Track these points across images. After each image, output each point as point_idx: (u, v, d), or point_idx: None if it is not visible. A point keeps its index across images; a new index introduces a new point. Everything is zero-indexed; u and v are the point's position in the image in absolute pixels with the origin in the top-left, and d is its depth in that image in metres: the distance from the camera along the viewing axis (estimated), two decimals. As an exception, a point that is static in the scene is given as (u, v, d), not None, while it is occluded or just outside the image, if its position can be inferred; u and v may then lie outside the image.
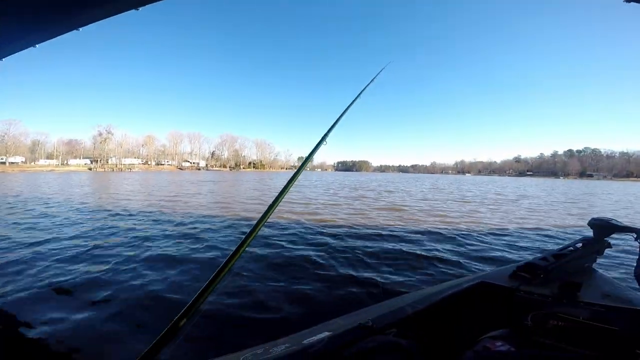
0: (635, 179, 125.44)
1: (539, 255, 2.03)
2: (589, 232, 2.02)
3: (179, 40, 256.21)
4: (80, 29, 4.50)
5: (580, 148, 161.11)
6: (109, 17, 4.31)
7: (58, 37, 4.55)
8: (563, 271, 1.82)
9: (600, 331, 1.15)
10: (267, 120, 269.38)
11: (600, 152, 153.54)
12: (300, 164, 1.21)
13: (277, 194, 0.94)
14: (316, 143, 1.35)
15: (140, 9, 4.32)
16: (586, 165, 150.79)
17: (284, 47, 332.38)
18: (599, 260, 2.00)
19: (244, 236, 0.94)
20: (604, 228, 1.94)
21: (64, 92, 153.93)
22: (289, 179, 1.02)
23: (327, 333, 1.16)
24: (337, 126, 1.40)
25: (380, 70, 2.13)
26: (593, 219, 1.99)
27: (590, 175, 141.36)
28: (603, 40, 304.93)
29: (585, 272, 1.89)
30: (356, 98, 1.68)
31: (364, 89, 1.76)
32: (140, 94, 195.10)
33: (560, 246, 2.10)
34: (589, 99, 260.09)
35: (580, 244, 1.99)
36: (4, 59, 5.08)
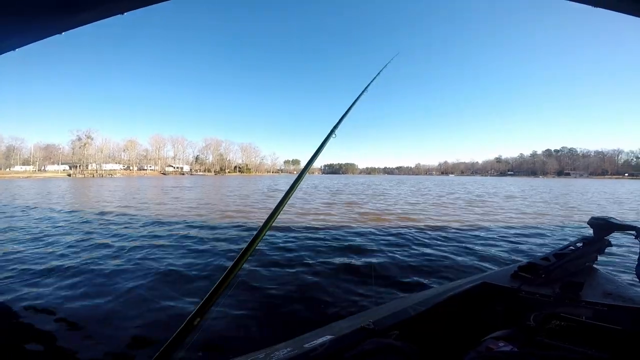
0: (610, 176, 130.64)
1: (540, 255, 2.04)
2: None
3: (161, 43, 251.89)
4: (63, 33, 4.37)
5: (558, 148, 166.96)
6: (95, 21, 4.21)
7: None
8: (564, 271, 1.83)
9: (603, 330, 1.14)
10: (252, 124, 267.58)
11: (576, 151, 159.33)
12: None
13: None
14: (324, 137, 1.37)
15: (126, 13, 4.25)
16: (564, 165, 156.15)
17: (272, 49, 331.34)
18: (600, 259, 2.02)
19: (252, 236, 0.97)
20: (604, 227, 1.96)
21: (41, 96, 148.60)
22: (290, 181, 1.08)
23: (328, 336, 1.16)
24: (344, 120, 1.40)
25: (387, 63, 2.19)
26: (593, 218, 2.00)
27: (568, 174, 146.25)
28: (578, 44, 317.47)
29: (587, 271, 1.90)
30: (363, 91, 1.75)
31: (370, 82, 1.85)
32: (121, 97, 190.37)
33: (561, 246, 2.12)
34: (566, 101, 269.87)
35: (581, 243, 2.00)
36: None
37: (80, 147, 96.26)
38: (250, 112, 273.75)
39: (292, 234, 6.41)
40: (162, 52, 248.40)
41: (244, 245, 0.96)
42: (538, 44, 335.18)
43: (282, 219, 8.46)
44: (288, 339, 1.25)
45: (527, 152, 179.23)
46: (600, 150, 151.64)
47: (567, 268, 1.85)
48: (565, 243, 2.12)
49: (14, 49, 4.51)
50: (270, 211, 1.01)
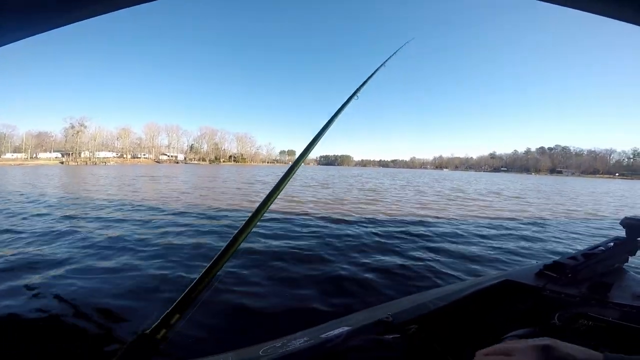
0: (601, 175, 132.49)
1: (567, 254, 1.99)
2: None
3: (157, 32, 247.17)
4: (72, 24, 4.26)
5: (552, 145, 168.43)
6: (106, 12, 4.10)
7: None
8: (592, 271, 1.78)
9: (630, 332, 1.10)
10: (249, 116, 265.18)
11: (569, 149, 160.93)
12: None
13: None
14: (344, 101, 1.32)
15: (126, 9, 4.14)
16: (556, 162, 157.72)
17: (269, 41, 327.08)
18: (632, 260, 1.95)
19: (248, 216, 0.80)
20: (637, 227, 1.89)
21: (34, 84, 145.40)
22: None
23: (345, 328, 1.14)
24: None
25: (404, 44, 2.21)
26: (626, 218, 1.93)
27: (560, 172, 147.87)
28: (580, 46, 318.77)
29: (616, 273, 1.85)
30: (385, 62, 1.76)
31: (391, 56, 1.85)
32: (115, 85, 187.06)
33: (590, 245, 2.06)
34: (564, 100, 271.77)
35: (612, 244, 1.95)
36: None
37: (73, 135, 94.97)
38: (248, 103, 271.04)
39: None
40: (159, 45, 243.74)
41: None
42: (536, 44, 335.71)
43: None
44: (305, 328, 1.24)
45: (521, 149, 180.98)
46: (593, 149, 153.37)
47: (595, 268, 1.79)
48: (596, 243, 2.06)
49: (21, 39, 4.36)
50: (270, 190, 0.87)
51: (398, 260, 4.30)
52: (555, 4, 2.92)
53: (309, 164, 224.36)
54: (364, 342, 0.97)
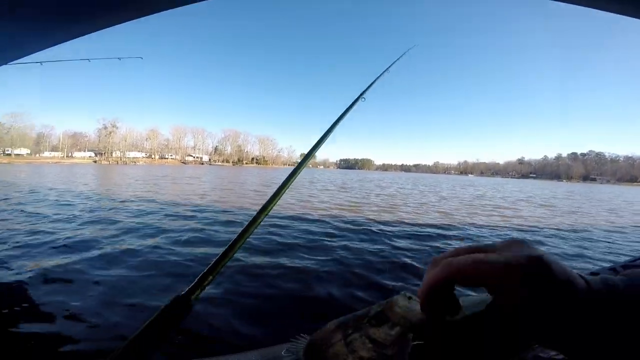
0: (639, 183, 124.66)
1: (606, 266, 1.90)
2: None
3: (186, 37, 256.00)
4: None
5: (585, 151, 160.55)
6: (126, 21, 4.22)
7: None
8: None
9: None
10: (271, 119, 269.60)
11: (604, 155, 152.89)
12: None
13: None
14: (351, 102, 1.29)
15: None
16: (590, 169, 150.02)
17: (289, 45, 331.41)
18: None
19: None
20: None
21: (71, 86, 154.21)
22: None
23: None
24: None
25: (408, 50, 2.15)
26: None
27: (594, 179, 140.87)
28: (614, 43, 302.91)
29: None
30: (387, 69, 1.70)
31: (393, 63, 1.79)
32: (145, 88, 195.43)
33: (630, 257, 1.98)
34: (596, 101, 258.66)
35: None
36: (10, 63, 4.89)
37: (105, 135, 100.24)
38: (272, 107, 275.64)
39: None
40: (187, 51, 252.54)
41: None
42: (574, 46, 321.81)
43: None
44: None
45: (551, 155, 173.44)
46: (630, 155, 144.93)
47: None
48: (637, 255, 1.97)
49: (42, 49, 4.53)
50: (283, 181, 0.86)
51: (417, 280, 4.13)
52: (567, 2, 2.79)
53: (329, 167, 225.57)
54: None
